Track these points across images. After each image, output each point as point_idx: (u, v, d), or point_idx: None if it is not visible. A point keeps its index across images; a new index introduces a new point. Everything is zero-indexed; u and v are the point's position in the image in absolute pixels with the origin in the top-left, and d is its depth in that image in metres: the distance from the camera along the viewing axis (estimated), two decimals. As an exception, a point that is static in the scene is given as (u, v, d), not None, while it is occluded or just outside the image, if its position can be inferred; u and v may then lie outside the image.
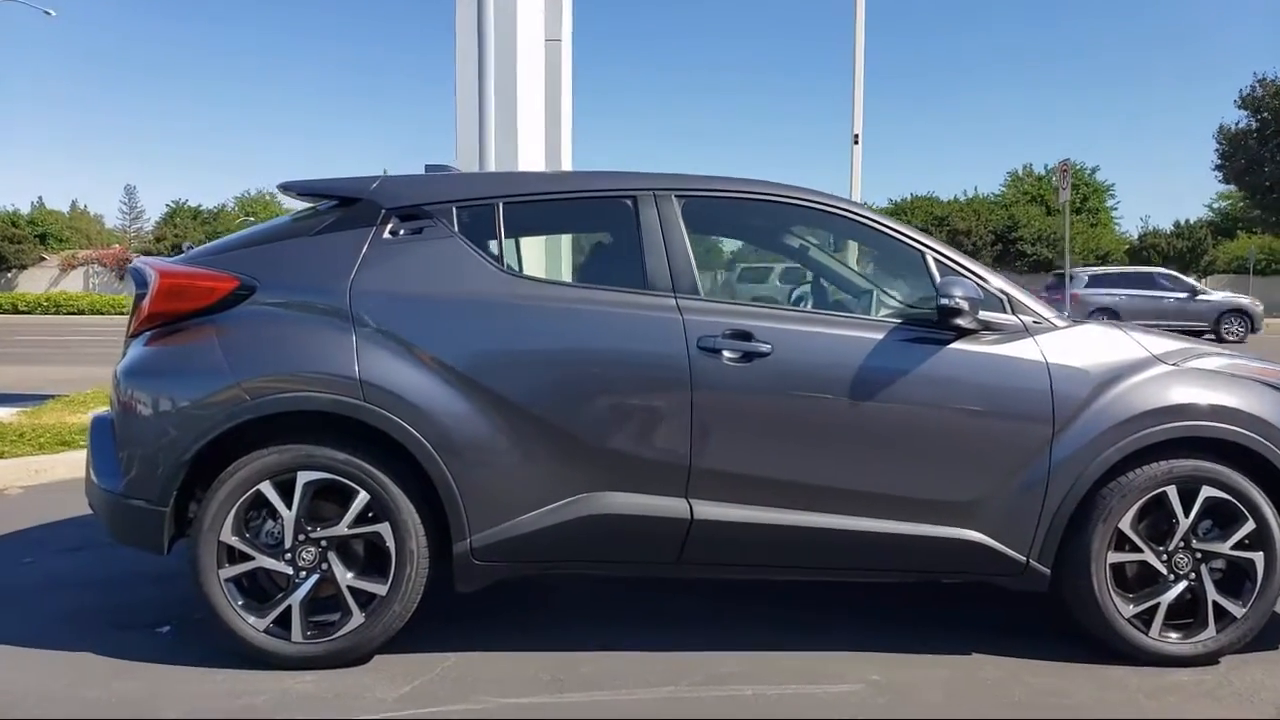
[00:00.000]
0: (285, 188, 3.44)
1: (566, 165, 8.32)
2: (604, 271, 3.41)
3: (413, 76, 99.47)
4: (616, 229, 3.33)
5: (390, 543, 3.03)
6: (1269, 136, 31.55)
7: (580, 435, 3.05)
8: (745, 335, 3.11)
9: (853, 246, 3.78)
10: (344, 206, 3.24)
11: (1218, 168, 34.40)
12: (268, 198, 63.34)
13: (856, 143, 14.23)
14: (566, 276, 3.22)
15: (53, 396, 8.26)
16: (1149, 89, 79.67)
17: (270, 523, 3.06)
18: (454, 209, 3.22)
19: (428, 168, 3.60)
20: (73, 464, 5.86)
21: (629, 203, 3.28)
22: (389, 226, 3.17)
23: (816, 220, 3.45)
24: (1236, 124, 33.02)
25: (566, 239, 3.51)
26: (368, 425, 2.99)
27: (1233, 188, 37.11)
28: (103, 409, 3.56)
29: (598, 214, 3.37)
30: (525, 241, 3.31)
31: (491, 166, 7.63)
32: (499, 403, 3.02)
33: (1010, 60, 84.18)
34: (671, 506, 3.10)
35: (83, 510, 5.21)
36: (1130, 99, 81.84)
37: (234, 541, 3.00)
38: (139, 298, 3.21)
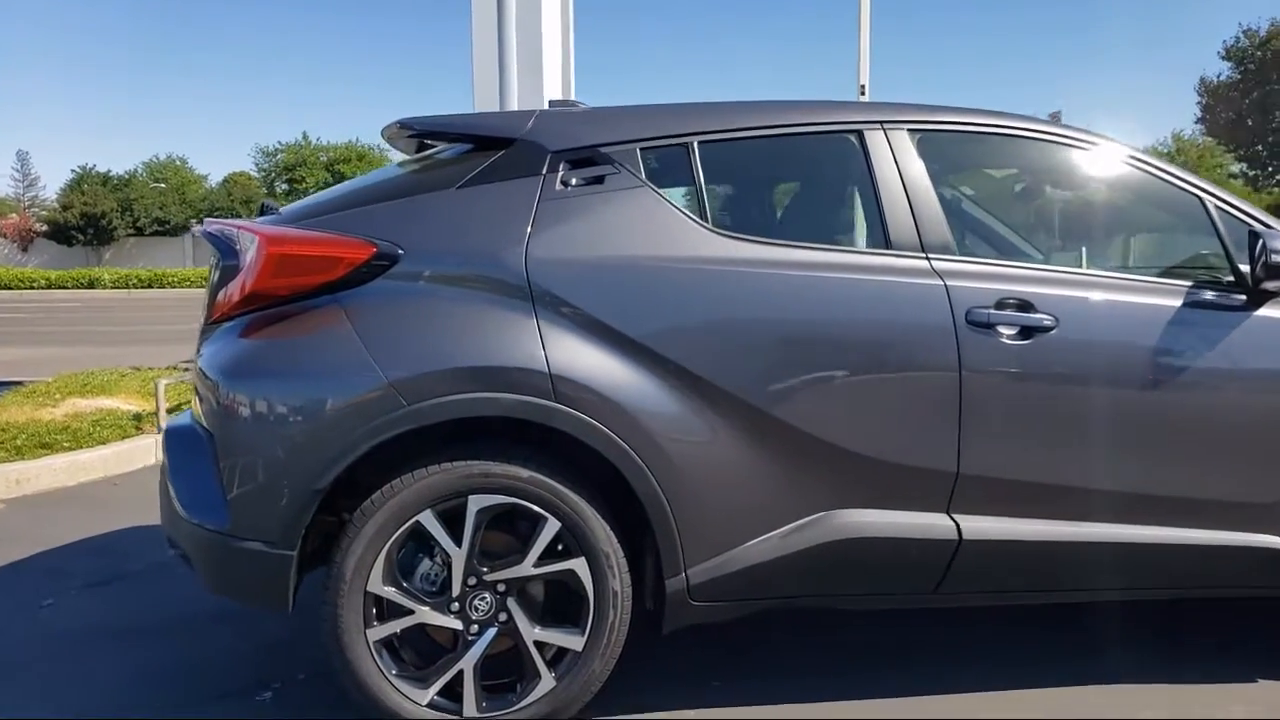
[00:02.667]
0: (406, 125, 2.78)
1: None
2: (828, 226, 2.83)
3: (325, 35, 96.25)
4: (841, 172, 2.75)
5: (588, 583, 2.44)
6: (1252, 88, 31.83)
7: (822, 438, 2.48)
8: (1024, 305, 2.56)
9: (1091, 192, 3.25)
10: (489, 150, 2.60)
11: (1199, 120, 34.69)
12: (178, 162, 60.90)
13: (863, 94, 13.79)
14: (776, 233, 2.58)
15: (3, 385, 7.42)
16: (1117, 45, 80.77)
17: (427, 564, 2.44)
18: (638, 151, 2.59)
19: (551, 104, 2.96)
20: (59, 471, 5.14)
21: (854, 139, 2.70)
22: (559, 175, 2.54)
23: (1071, 163, 2.90)
24: (1219, 76, 33.27)
25: (767, 185, 2.89)
26: (559, 433, 2.38)
27: (1198, 140, 37.44)
28: (175, 414, 2.88)
29: (816, 154, 2.78)
30: (724, 190, 2.70)
31: (514, 106, 6.96)
32: (720, 399, 2.44)
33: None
34: (935, 525, 2.56)
35: (86, 529, 4.57)
36: (1103, 50, 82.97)
37: (387, 592, 2.38)
38: (227, 271, 2.54)
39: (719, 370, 2.44)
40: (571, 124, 2.63)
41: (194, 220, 53.31)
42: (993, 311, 2.54)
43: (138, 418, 5.99)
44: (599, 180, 2.55)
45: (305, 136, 64.59)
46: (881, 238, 2.62)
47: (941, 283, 2.55)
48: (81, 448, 5.39)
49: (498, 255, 2.44)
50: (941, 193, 2.71)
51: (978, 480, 2.55)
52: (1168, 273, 2.88)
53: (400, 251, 2.42)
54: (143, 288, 35.10)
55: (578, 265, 2.45)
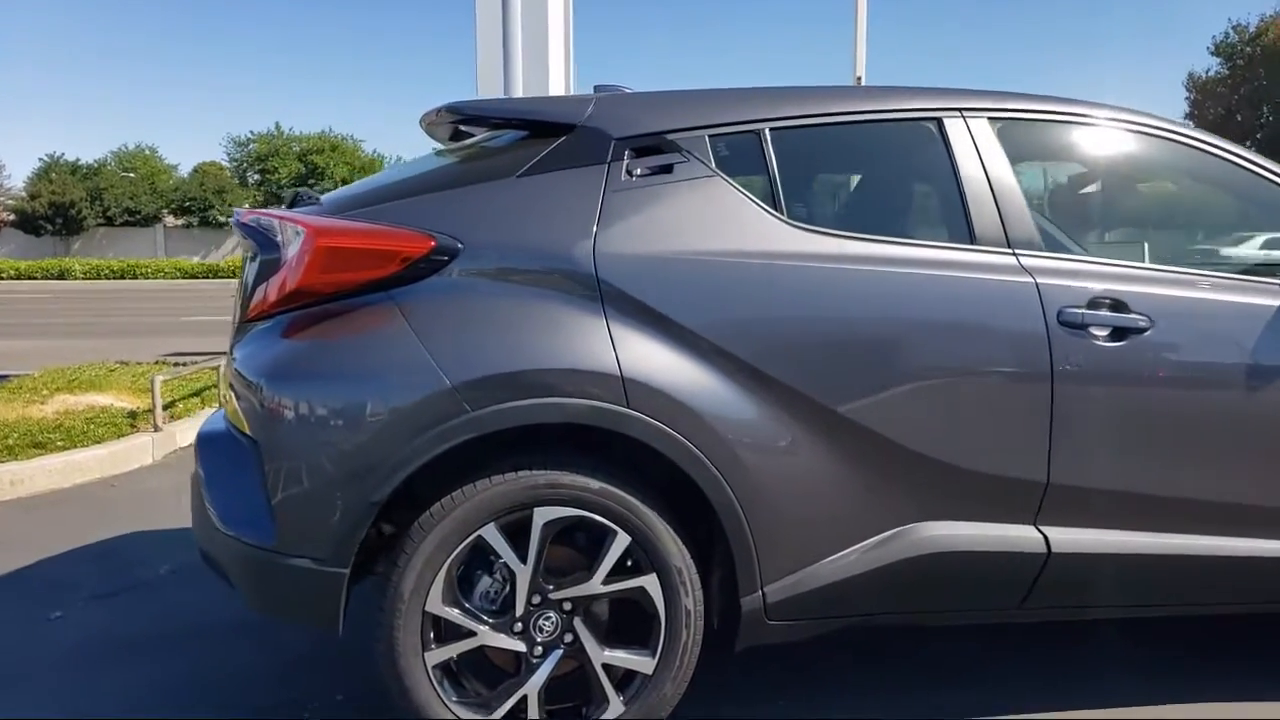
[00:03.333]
0: (454, 109, 2.62)
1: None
2: (908, 220, 2.69)
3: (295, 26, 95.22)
4: (920, 162, 2.61)
5: (659, 601, 2.30)
6: (1240, 84, 32.00)
7: (907, 446, 2.35)
8: (1118, 305, 2.44)
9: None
10: (546, 137, 2.44)
11: (1188, 116, 34.86)
12: (147, 152, 59.97)
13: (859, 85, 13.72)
14: (855, 226, 2.44)
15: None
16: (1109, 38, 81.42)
17: (487, 581, 2.29)
18: (706, 138, 2.45)
19: (597, 89, 2.80)
20: (54, 472, 4.94)
21: (933, 127, 2.56)
22: (625, 164, 2.39)
23: (1159, 154, 2.77)
24: (1208, 71, 33.42)
25: (844, 175, 2.75)
26: (626, 441, 2.24)
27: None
28: (203, 415, 2.71)
29: (894, 143, 2.64)
30: (799, 181, 2.55)
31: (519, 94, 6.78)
32: (800, 404, 2.30)
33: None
34: (1023, 537, 2.44)
35: (87, 534, 4.35)
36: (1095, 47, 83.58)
37: (447, 612, 2.22)
38: (266, 266, 2.38)
39: (799, 374, 2.31)
40: (634, 109, 2.48)
41: (165, 210, 52.59)
42: (1086, 311, 2.42)
43: (133, 415, 5.78)
44: (667, 169, 2.40)
45: (278, 126, 63.85)
46: (965, 232, 2.49)
47: (1032, 280, 2.43)
48: (76, 447, 5.19)
49: (564, 250, 2.29)
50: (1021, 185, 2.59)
51: (1068, 490, 2.43)
52: (1267, 270, 2.76)
53: (460, 245, 2.26)
54: (115, 279, 34.53)
55: (649, 261, 2.30)
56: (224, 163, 61.22)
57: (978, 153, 2.53)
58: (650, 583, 2.29)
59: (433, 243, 2.26)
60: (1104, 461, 2.45)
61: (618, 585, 2.28)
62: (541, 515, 2.23)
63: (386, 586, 2.21)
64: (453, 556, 2.21)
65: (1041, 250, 2.50)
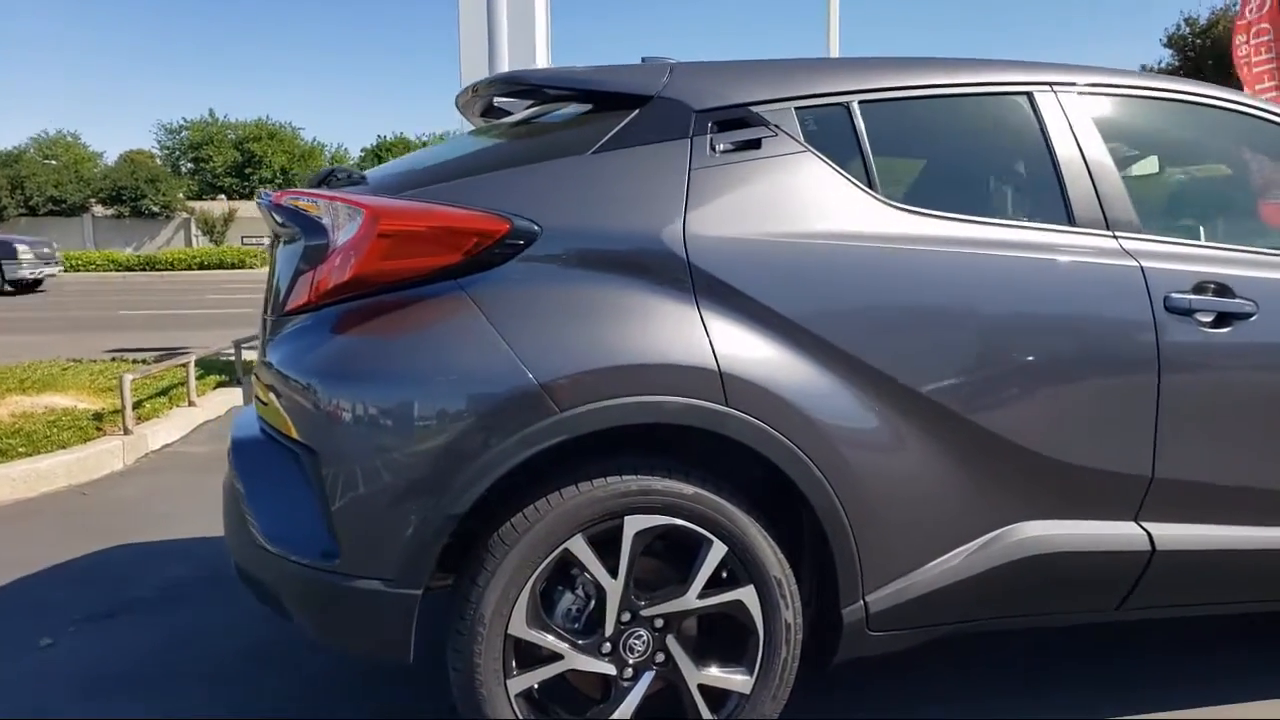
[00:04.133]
0: (516, 79, 2.41)
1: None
2: (1003, 199, 2.54)
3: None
4: (1012, 138, 2.46)
5: (756, 615, 2.13)
6: (1191, 75, 32.59)
7: (1013, 441, 2.21)
8: (1222, 289, 2.33)
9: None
10: (618, 110, 2.24)
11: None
12: (70, 138, 57.90)
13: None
14: (951, 206, 2.29)
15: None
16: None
17: (569, 598, 2.09)
18: (794, 110, 2.27)
19: (644, 60, 2.61)
20: (17, 482, 4.64)
21: (1024, 102, 2.42)
22: (709, 139, 2.20)
23: (1255, 136, 2.66)
24: (1159, 63, 33.97)
25: (935, 152, 2.57)
26: (725, 441, 2.06)
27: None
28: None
29: (985, 117, 2.48)
30: (889, 157, 2.38)
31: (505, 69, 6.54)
32: (904, 398, 2.15)
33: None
34: (1126, 535, 2.32)
35: (65, 550, 4.00)
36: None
37: (531, 635, 2.02)
38: (311, 252, 2.14)
39: (903, 365, 2.15)
40: (714, 80, 2.29)
41: (93, 199, 50.79)
42: (1192, 297, 2.30)
43: (98, 417, 5.43)
44: (755, 145, 2.21)
45: (212, 113, 62.19)
46: (1064, 213, 2.35)
47: (1137, 265, 2.30)
48: (40, 453, 4.84)
49: (652, 233, 2.09)
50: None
51: (1172, 484, 2.32)
52: None
53: (537, 229, 2.05)
54: (42, 271, 33.16)
55: (743, 244, 2.12)
56: (154, 150, 59.43)
57: (1071, 129, 2.40)
58: (747, 595, 2.12)
59: (508, 225, 2.04)
60: (1210, 453, 2.34)
61: (714, 599, 2.11)
62: (633, 525, 2.04)
63: (463, 607, 2.00)
64: (538, 573, 2.01)
65: (1140, 233, 2.37)
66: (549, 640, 2.03)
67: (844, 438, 2.11)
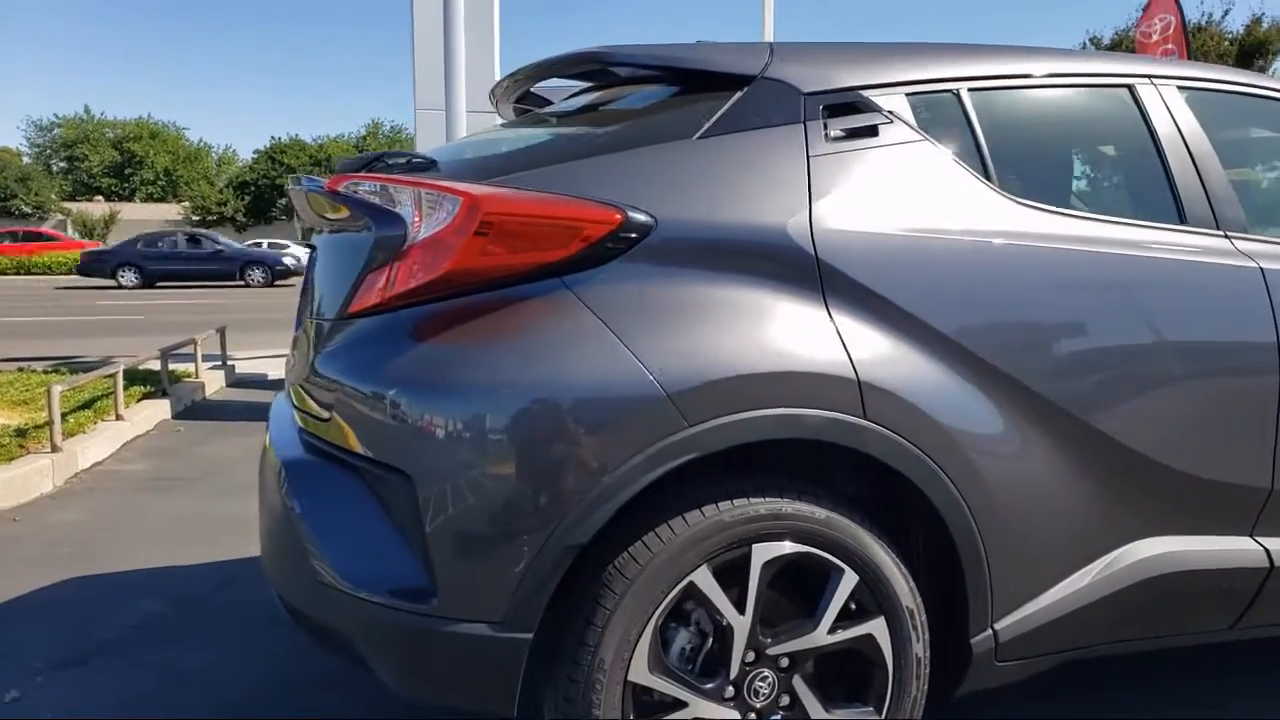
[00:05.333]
0: (599, 56, 2.18)
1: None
2: (1114, 196, 2.42)
3: None
4: (1119, 132, 2.35)
5: (886, 649, 1.95)
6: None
7: (1139, 452, 2.09)
8: None
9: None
10: (713, 92, 2.04)
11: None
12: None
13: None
14: (1066, 203, 2.18)
15: None
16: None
17: (684, 637, 1.87)
18: (905, 96, 2.10)
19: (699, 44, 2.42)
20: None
21: (1127, 95, 2.31)
22: (822, 125, 2.01)
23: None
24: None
25: (1042, 144, 2.43)
26: (859, 458, 1.87)
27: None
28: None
29: (1090, 110, 2.36)
30: (1001, 149, 2.22)
31: (461, 64, 6.26)
32: (1037, 408, 2.00)
33: None
34: (1246, 551, 2.23)
35: (10, 587, 3.55)
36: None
37: (653, 681, 1.79)
38: (386, 245, 1.87)
39: (1037, 373, 2.00)
40: (820, 61, 2.11)
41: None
42: None
43: (21, 433, 4.92)
44: (871, 132, 2.04)
45: (87, 110, 59.35)
46: (1174, 212, 2.24)
47: (1256, 266, 2.21)
48: (-41, 476, 4.34)
49: (776, 226, 1.89)
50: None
51: None
52: None
53: (651, 221, 1.83)
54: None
55: (872, 239, 1.94)
56: (22, 148, 56.29)
57: (1175, 124, 2.30)
58: (878, 628, 1.94)
59: (621, 217, 1.81)
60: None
61: (845, 634, 1.91)
62: (761, 553, 1.84)
63: (577, 651, 1.76)
64: (660, 610, 1.79)
65: (1247, 232, 2.28)
66: (671, 686, 1.81)
67: (979, 452, 1.94)
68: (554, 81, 2.54)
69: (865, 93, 2.07)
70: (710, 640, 1.87)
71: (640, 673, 1.78)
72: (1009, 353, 1.98)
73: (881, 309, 1.90)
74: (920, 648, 1.97)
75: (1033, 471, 2.01)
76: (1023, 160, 2.24)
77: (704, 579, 1.81)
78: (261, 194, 43.54)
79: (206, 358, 7.91)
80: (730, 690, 1.85)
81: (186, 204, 46.76)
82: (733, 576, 1.84)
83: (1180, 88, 2.36)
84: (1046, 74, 2.27)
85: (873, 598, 1.93)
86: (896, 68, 2.13)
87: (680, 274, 1.84)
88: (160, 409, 6.46)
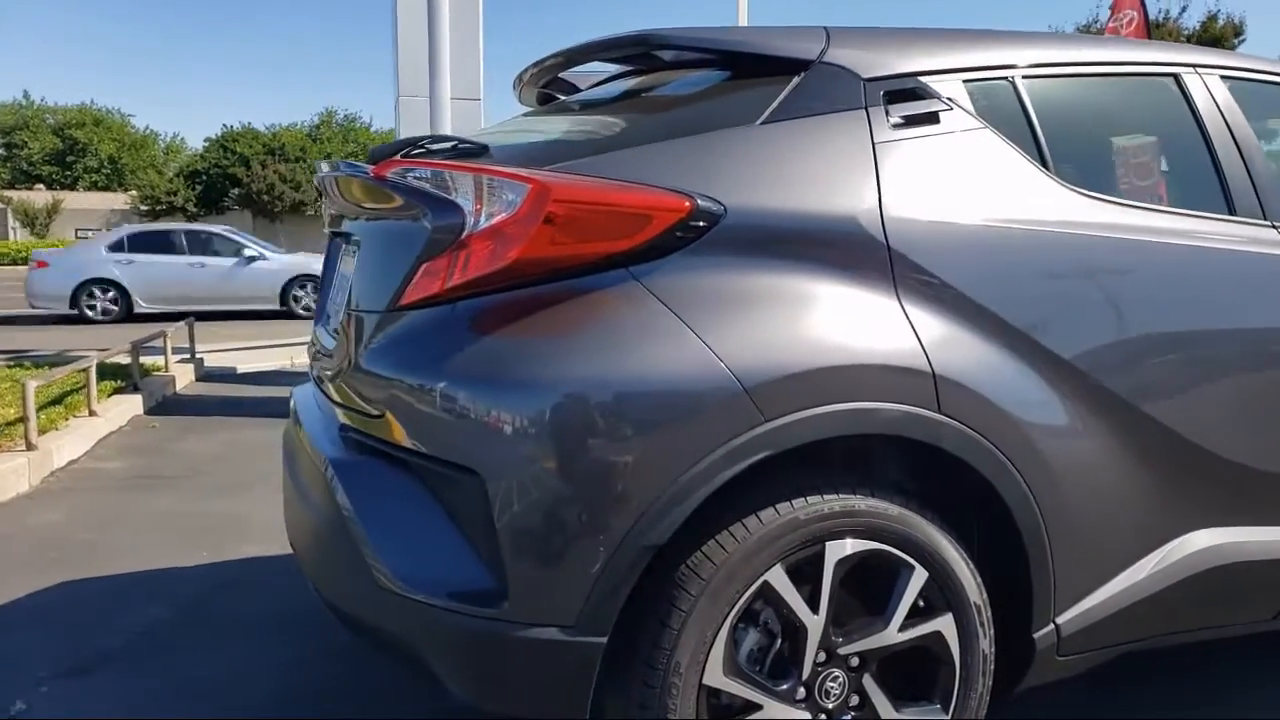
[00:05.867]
0: (651, 39, 2.11)
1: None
2: (1166, 185, 2.39)
3: None
4: (1166, 121, 2.33)
5: (954, 646, 1.92)
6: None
7: (1199, 444, 2.08)
8: None
9: None
10: (773, 77, 1.99)
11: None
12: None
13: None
14: (1123, 193, 2.17)
15: None
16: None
17: (753, 638, 1.82)
18: (962, 83, 2.07)
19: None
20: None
21: (1173, 84, 2.30)
22: (884, 111, 1.97)
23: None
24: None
25: (1092, 133, 2.40)
26: (932, 454, 1.84)
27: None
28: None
29: (1139, 98, 2.35)
30: (1056, 138, 2.19)
31: (445, 51, 6.15)
32: (1102, 400, 1.98)
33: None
34: None
35: (6, 590, 3.43)
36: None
37: (728, 684, 1.75)
38: (442, 234, 1.79)
39: (1103, 365, 1.98)
40: (878, 46, 2.06)
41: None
42: None
43: (-9, 432, 4.74)
44: (932, 119, 2.00)
45: (27, 95, 57.76)
46: (1224, 203, 2.24)
47: None
48: (-68, 476, 4.16)
49: (847, 214, 1.85)
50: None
51: None
52: None
53: (721, 209, 1.78)
54: None
55: (941, 228, 1.90)
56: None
57: (1221, 113, 2.29)
58: (945, 625, 1.90)
59: (690, 205, 1.76)
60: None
61: (915, 632, 1.88)
62: (834, 551, 1.79)
63: (652, 654, 1.71)
64: (735, 611, 1.74)
65: None
66: (744, 689, 1.76)
67: (1045, 444, 1.92)
68: (587, 66, 2.48)
69: (923, 79, 2.03)
70: (779, 640, 1.83)
71: (715, 675, 1.73)
72: (1073, 343, 1.96)
73: (952, 300, 1.87)
74: (986, 644, 1.94)
75: (1095, 463, 1.99)
76: (1076, 149, 2.21)
77: (778, 578, 1.76)
78: (214, 183, 42.58)
79: (174, 351, 7.72)
80: (802, 691, 1.81)
81: (134, 193, 45.69)
82: (804, 575, 1.79)
83: (1223, 77, 2.35)
84: (1096, 62, 2.25)
85: (941, 594, 1.89)
86: (952, 53, 2.10)
87: (750, 263, 1.79)
88: (133, 404, 6.28)
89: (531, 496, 1.64)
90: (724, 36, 2.07)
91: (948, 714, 1.93)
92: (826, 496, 1.79)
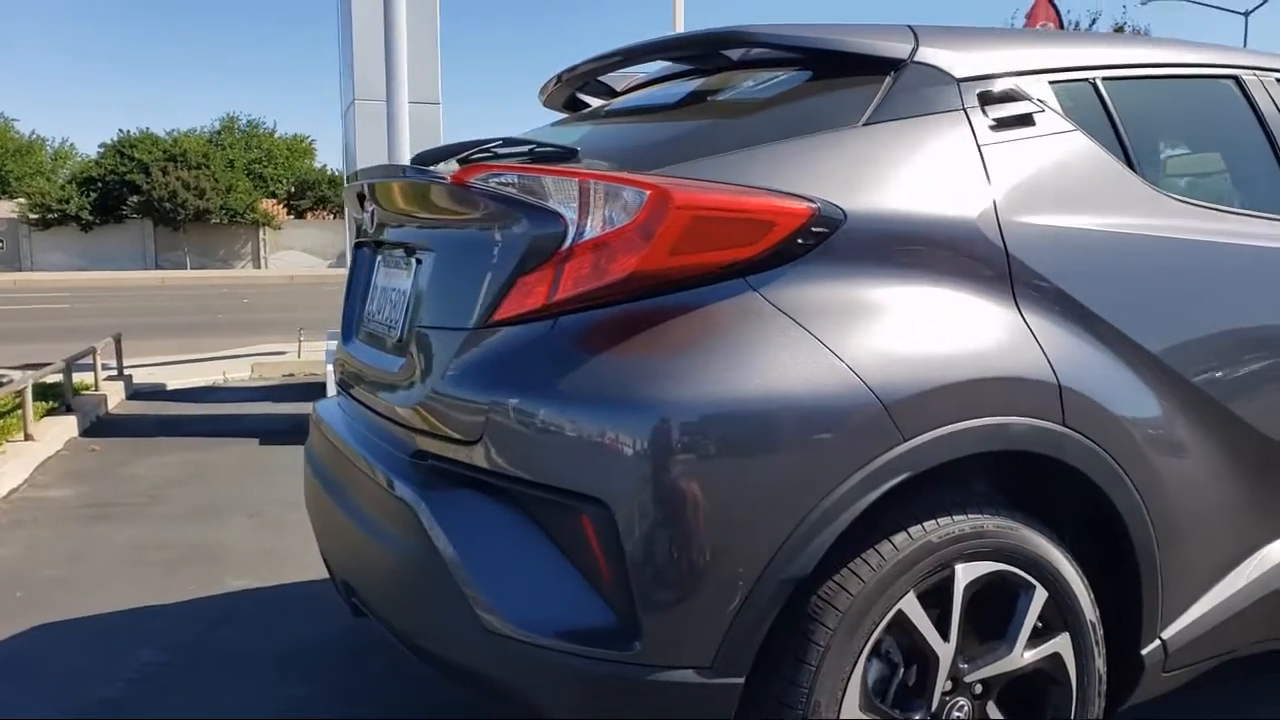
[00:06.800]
0: (735, 37, 2.01)
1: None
2: (1235, 189, 2.38)
3: None
4: (1231, 124, 2.31)
5: (1071, 667, 1.86)
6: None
7: (1285, 452, 2.07)
8: None
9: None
10: (862, 76, 1.91)
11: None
12: None
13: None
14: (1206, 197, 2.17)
15: None
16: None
17: (877, 668, 1.73)
18: (1049, 85, 2.02)
19: None
20: None
21: (1234, 86, 2.30)
22: (982, 112, 1.91)
23: None
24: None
25: (1167, 136, 2.38)
26: (1053, 467, 1.78)
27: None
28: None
29: (1205, 101, 2.33)
30: (1138, 141, 2.16)
31: (403, 55, 5.95)
32: (1206, 409, 1.96)
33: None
34: None
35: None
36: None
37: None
38: (538, 244, 1.66)
39: (1205, 370, 1.97)
40: (965, 45, 2.00)
41: None
42: None
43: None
44: (1027, 121, 1.94)
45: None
46: (1290, 204, 2.24)
47: None
48: None
49: (966, 220, 1.78)
50: None
51: None
52: None
53: (842, 215, 1.69)
54: None
55: (1054, 235, 1.85)
56: None
57: None
58: (1063, 645, 1.85)
59: (811, 211, 1.66)
60: None
61: (1037, 654, 1.82)
62: (964, 574, 1.72)
63: (788, 694, 1.60)
64: (870, 643, 1.65)
65: None
66: (885, 728, 1.67)
67: (1156, 455, 1.88)
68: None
69: (1013, 80, 1.98)
70: (900, 670, 1.74)
71: (852, 712, 1.64)
72: (1180, 350, 1.94)
73: (1067, 307, 1.82)
74: (1101, 663, 1.89)
75: (1198, 473, 1.96)
76: (1157, 153, 2.20)
77: (911, 606, 1.68)
78: (110, 190, 40.78)
79: (101, 367, 7.30)
80: (930, 722, 1.73)
81: (22, 201, 43.51)
82: (931, 601, 1.71)
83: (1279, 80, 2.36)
84: (1167, 65, 2.23)
85: (1059, 614, 1.84)
86: (1036, 53, 2.05)
87: (871, 271, 1.70)
88: (67, 426, 5.89)
89: (666, 527, 1.52)
90: (811, 34, 1.98)
91: (1066, 739, 1.87)
92: (956, 518, 1.71)
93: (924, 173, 1.80)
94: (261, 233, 42.50)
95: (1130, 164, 2.04)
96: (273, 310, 17.75)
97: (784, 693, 1.61)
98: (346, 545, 2.09)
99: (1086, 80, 2.08)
